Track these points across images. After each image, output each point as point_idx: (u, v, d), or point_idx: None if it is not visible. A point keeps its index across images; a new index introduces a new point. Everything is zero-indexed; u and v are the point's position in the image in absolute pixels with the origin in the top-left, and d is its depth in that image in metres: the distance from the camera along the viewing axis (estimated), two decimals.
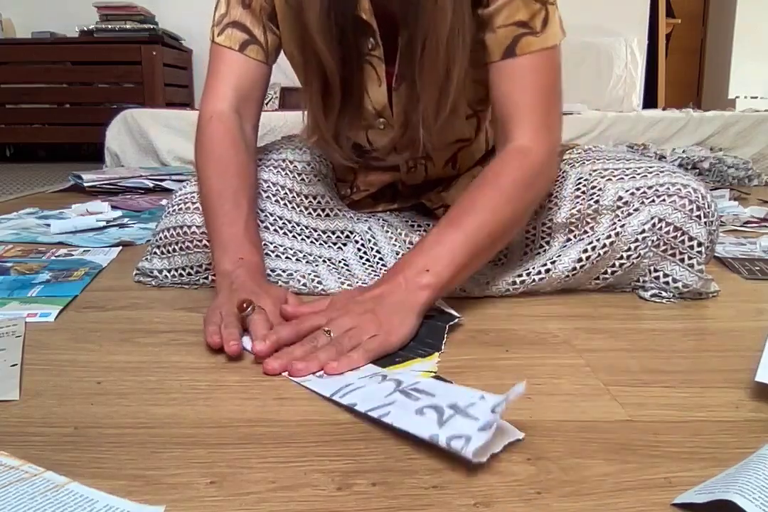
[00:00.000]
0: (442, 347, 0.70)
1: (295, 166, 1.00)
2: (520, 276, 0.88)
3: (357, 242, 0.98)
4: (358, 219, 1.01)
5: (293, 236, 0.97)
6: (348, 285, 0.90)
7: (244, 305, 0.69)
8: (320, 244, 0.98)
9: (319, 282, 0.90)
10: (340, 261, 0.96)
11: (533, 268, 0.88)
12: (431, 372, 0.64)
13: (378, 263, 0.96)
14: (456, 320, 0.76)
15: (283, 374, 0.64)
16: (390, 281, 0.72)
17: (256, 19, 0.89)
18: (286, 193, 0.98)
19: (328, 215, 0.99)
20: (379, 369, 0.63)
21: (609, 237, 0.86)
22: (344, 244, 0.98)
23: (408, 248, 0.96)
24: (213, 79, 0.91)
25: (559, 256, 0.88)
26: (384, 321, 0.68)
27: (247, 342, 0.69)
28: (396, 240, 0.98)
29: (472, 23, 0.80)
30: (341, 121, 0.90)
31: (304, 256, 0.96)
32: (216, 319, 0.70)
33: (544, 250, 0.92)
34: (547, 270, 0.87)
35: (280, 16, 0.88)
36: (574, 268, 0.87)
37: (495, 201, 0.78)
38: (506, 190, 0.79)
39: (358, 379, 0.61)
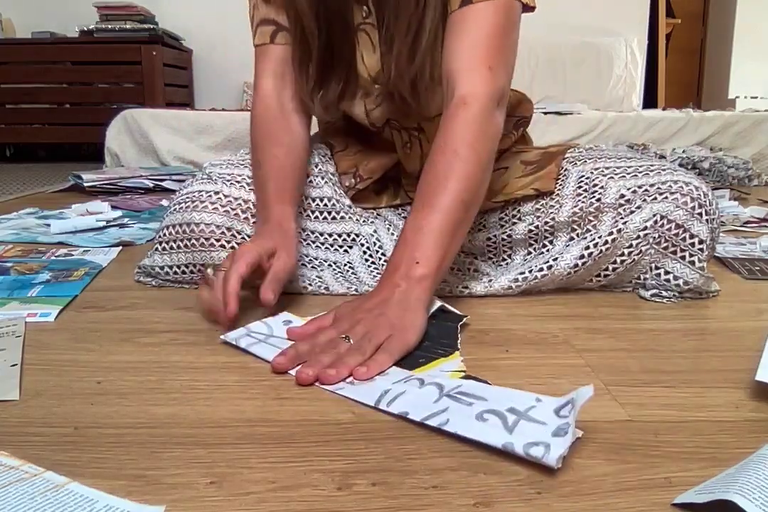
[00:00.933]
0: (458, 346, 0.70)
1: None
2: (522, 273, 0.88)
3: (362, 245, 0.98)
4: (363, 221, 1.01)
5: (298, 242, 0.96)
6: (355, 290, 0.90)
7: (207, 270, 0.77)
8: (326, 248, 0.98)
9: (326, 289, 0.91)
10: (345, 265, 0.96)
11: (535, 266, 0.88)
12: (461, 371, 0.64)
13: (383, 265, 0.96)
14: (464, 320, 0.76)
15: (292, 377, 0.63)
16: (388, 284, 0.72)
17: (278, 5, 0.91)
18: None
19: (334, 218, 0.99)
20: (407, 373, 0.63)
21: (611, 234, 0.86)
22: (350, 247, 0.98)
23: None
24: (257, 80, 0.95)
25: (562, 253, 0.88)
26: (396, 322, 0.68)
27: (263, 352, 0.68)
28: None
29: None
30: (327, 90, 0.92)
31: (310, 260, 0.96)
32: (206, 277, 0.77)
33: (547, 249, 0.92)
34: (549, 267, 0.87)
35: None
36: (576, 265, 0.87)
37: (456, 167, 0.76)
38: (462, 153, 0.77)
39: (393, 384, 0.60)
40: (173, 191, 1.15)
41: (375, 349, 0.65)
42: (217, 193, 0.93)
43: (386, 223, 1.01)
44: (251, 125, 0.95)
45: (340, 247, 0.98)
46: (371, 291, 0.76)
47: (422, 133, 0.99)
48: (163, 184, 2.15)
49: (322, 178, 1.00)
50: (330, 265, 0.95)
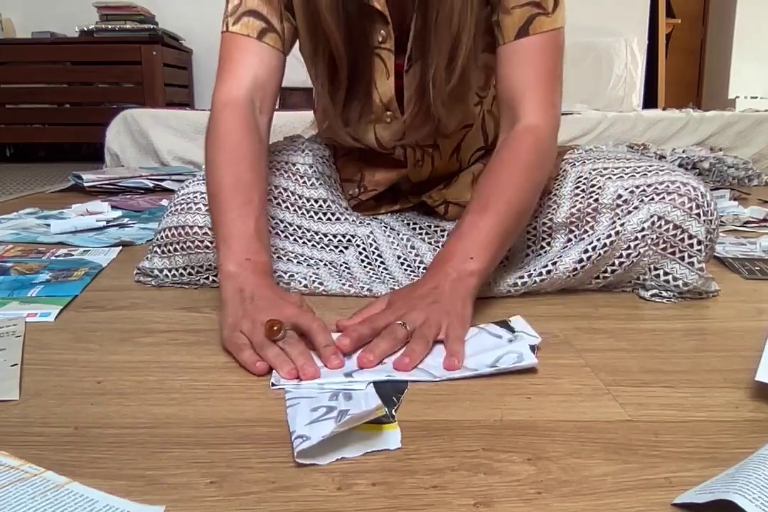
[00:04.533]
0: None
1: (298, 169, 0.99)
2: (521, 277, 0.88)
3: (358, 246, 0.98)
4: (360, 222, 1.01)
5: (294, 240, 0.96)
6: (349, 286, 0.90)
7: (274, 328, 0.64)
8: (321, 247, 0.98)
9: (320, 284, 0.90)
10: (341, 265, 0.96)
11: (534, 269, 0.88)
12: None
13: (379, 267, 0.96)
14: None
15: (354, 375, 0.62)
16: (439, 273, 0.74)
17: (273, 7, 0.88)
18: (288, 196, 0.98)
19: (329, 219, 0.99)
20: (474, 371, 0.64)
21: (609, 236, 0.86)
22: (345, 248, 0.98)
23: (410, 252, 0.97)
24: (228, 66, 0.88)
25: (560, 256, 0.88)
26: (450, 309, 0.70)
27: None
28: (398, 244, 0.97)
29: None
30: (348, 109, 0.90)
31: (305, 259, 0.96)
32: (242, 341, 0.66)
33: (545, 251, 0.92)
34: (548, 271, 0.87)
35: (295, 0, 0.88)
36: (575, 269, 0.87)
37: (516, 180, 0.81)
38: (524, 170, 0.82)
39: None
40: (173, 191, 1.15)
41: (436, 336, 0.68)
42: None
43: (382, 224, 1.01)
44: (218, 134, 0.86)
45: (336, 247, 0.98)
46: (422, 279, 0.77)
47: (436, 150, 0.99)
48: (163, 184, 2.14)
49: (317, 180, 1.00)
50: (326, 265, 0.95)
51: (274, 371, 0.63)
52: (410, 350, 0.65)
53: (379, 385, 0.61)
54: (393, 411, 0.56)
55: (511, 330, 0.73)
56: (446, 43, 0.82)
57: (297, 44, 0.94)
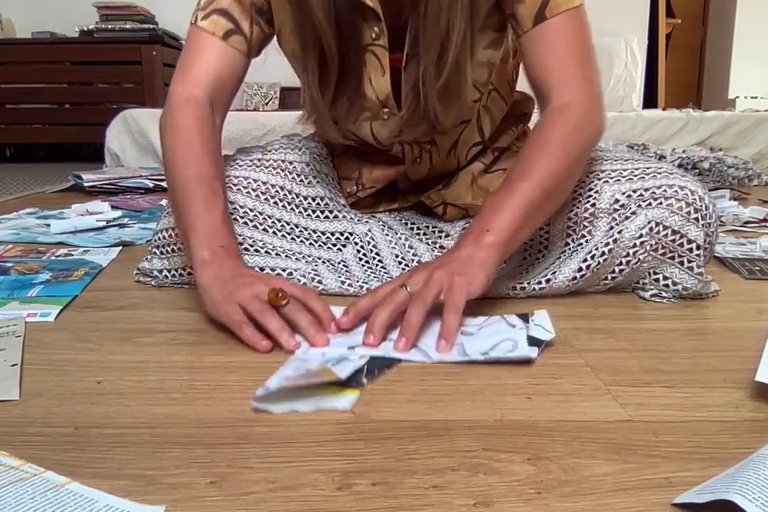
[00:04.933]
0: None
1: (295, 167, 0.99)
2: (520, 283, 0.87)
3: (356, 244, 0.98)
4: (358, 220, 1.01)
5: (292, 238, 0.96)
6: (348, 285, 0.90)
7: (279, 295, 0.64)
8: (319, 245, 0.97)
9: (320, 282, 0.90)
10: (339, 263, 0.96)
11: (534, 278, 0.87)
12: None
13: (377, 265, 0.96)
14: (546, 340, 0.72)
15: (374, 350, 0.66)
16: (454, 248, 0.75)
17: (245, 10, 0.89)
18: (285, 195, 0.98)
19: (327, 216, 0.99)
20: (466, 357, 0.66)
21: (607, 245, 0.85)
22: (344, 246, 0.98)
23: (408, 252, 0.97)
24: (190, 62, 0.90)
25: (560, 266, 0.87)
26: (456, 272, 0.70)
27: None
28: (396, 243, 0.97)
29: None
30: (336, 105, 0.90)
31: (303, 256, 0.95)
32: (240, 317, 0.67)
33: (543, 255, 0.92)
34: (548, 281, 0.87)
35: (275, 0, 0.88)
36: (575, 278, 0.86)
37: (543, 159, 0.80)
38: (554, 148, 0.80)
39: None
40: None
41: (436, 295, 0.67)
42: None
43: (381, 223, 1.01)
44: (176, 128, 0.89)
45: (334, 245, 0.98)
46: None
47: (434, 146, 0.99)
48: (163, 184, 2.14)
49: (314, 178, 1.00)
50: (324, 263, 0.95)
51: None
52: (406, 325, 0.66)
53: (372, 357, 0.64)
54: (364, 379, 0.60)
55: (527, 321, 0.73)
56: (435, 40, 0.82)
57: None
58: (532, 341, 0.68)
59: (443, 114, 0.89)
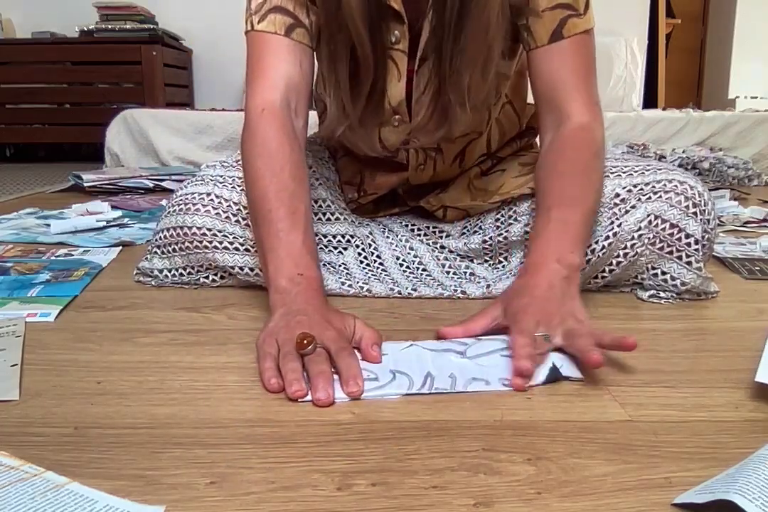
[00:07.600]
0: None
1: None
2: None
3: (357, 246, 0.98)
4: (359, 223, 1.01)
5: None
6: (348, 286, 0.90)
7: (305, 342, 0.63)
8: (320, 248, 0.97)
9: None
10: (340, 266, 0.96)
11: None
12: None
13: (378, 268, 0.96)
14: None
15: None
16: (545, 269, 0.73)
17: (300, 1, 0.84)
18: None
19: (329, 219, 0.99)
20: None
21: (607, 238, 0.86)
22: (345, 248, 0.98)
23: (408, 253, 0.96)
24: (258, 69, 0.85)
25: None
26: (579, 315, 0.69)
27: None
28: (396, 245, 0.97)
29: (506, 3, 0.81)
30: (367, 111, 0.88)
31: None
32: (271, 350, 0.64)
33: None
34: None
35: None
36: None
37: (592, 180, 0.82)
38: (594, 171, 0.83)
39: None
40: (173, 191, 1.14)
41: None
42: (209, 194, 0.92)
43: (381, 226, 1.01)
44: (257, 141, 0.83)
45: (335, 247, 0.98)
46: (527, 276, 0.74)
47: (439, 154, 0.98)
48: (163, 184, 2.15)
49: (317, 180, 0.99)
50: (324, 265, 0.95)
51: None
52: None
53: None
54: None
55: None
56: (479, 55, 0.81)
57: None
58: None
59: (467, 123, 0.89)
